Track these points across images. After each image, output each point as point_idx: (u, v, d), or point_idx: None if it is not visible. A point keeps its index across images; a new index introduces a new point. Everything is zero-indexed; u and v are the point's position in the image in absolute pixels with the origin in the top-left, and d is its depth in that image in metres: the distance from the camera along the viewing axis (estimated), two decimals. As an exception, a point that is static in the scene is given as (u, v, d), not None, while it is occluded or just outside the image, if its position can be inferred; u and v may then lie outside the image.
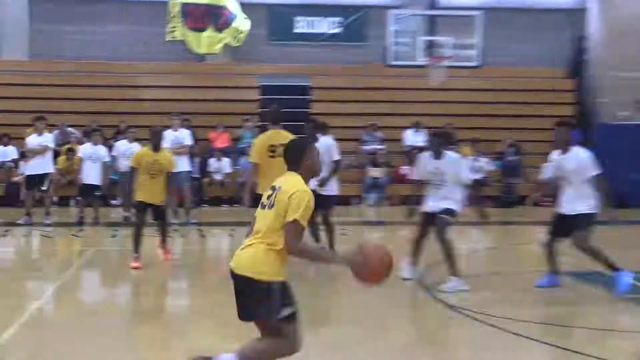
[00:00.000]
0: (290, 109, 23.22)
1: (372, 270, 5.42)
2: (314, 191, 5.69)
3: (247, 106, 23.71)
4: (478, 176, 21.41)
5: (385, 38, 22.06)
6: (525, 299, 9.77)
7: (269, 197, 5.56)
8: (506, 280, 11.03)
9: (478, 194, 21.05)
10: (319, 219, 12.04)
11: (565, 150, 9.92)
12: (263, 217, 5.53)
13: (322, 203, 10.93)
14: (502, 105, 23.92)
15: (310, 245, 5.99)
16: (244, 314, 5.54)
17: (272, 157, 10.30)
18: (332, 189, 12.13)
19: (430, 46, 22.11)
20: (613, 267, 9.75)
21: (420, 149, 21.11)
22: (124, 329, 8.58)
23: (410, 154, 21.89)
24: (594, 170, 9.80)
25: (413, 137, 22.41)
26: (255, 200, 11.06)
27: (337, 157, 12.02)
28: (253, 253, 5.47)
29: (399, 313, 9.35)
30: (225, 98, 23.89)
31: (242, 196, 11.57)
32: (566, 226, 9.83)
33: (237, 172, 21.40)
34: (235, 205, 20.65)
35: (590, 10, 25.10)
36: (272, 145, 10.38)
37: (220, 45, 24.21)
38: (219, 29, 24.12)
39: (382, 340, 7.86)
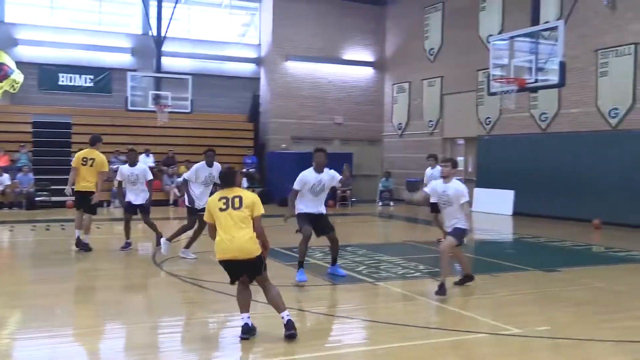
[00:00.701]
0: (56, 139, 22.03)
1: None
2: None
3: (22, 136, 21.86)
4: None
5: (125, 91, 21.32)
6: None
7: (227, 201, 5.91)
8: (211, 257, 11.15)
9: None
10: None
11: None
12: (236, 215, 5.85)
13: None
14: (206, 138, 24.08)
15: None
16: (251, 277, 6.00)
17: (84, 165, 11.03)
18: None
19: (157, 98, 21.72)
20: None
21: (151, 168, 20.90)
22: None
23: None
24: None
25: (145, 159, 21.91)
26: (78, 197, 10.71)
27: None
28: (249, 239, 5.84)
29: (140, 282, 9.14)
30: (6, 130, 21.76)
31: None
32: None
33: (14, 184, 19.58)
34: (14, 208, 19.01)
35: (261, 78, 26.03)
36: (84, 158, 11.09)
37: (1, 92, 22.04)
38: (0, 80, 21.98)
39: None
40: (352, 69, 26.13)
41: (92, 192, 11.13)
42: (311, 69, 25.43)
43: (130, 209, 11.50)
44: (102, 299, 7.86)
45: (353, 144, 26.10)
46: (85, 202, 11.07)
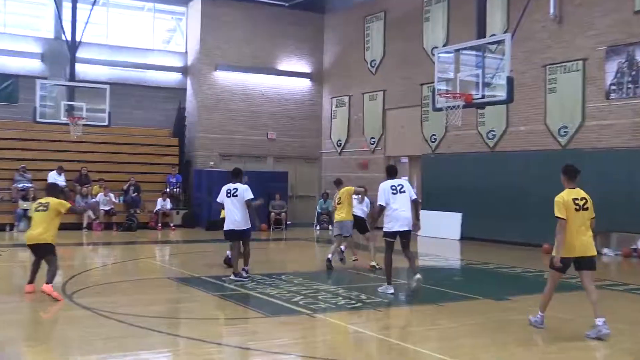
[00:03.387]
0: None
1: None
2: None
3: None
4: (107, 207, 21.10)
5: (34, 100, 20.62)
6: (146, 299, 9.75)
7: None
8: (131, 286, 10.91)
9: (107, 221, 20.81)
10: None
11: None
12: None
13: None
14: (126, 155, 23.68)
15: None
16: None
17: None
18: None
19: (70, 109, 21.13)
20: None
21: (63, 187, 20.27)
22: None
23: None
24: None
25: (57, 177, 21.24)
26: None
27: None
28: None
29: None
30: None
31: None
32: None
33: None
34: None
35: (188, 89, 25.79)
36: None
37: None
38: None
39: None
40: (287, 80, 26.22)
41: None
42: (242, 79, 25.37)
43: None
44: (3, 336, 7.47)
45: (288, 162, 26.12)
46: None
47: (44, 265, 9.74)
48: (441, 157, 21.06)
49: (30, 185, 20.97)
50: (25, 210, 19.94)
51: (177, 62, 25.90)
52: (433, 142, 21.51)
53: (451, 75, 14.42)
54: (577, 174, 7.77)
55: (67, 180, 21.54)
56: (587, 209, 7.60)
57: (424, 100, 21.55)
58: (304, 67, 26.59)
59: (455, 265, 15.25)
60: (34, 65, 23.55)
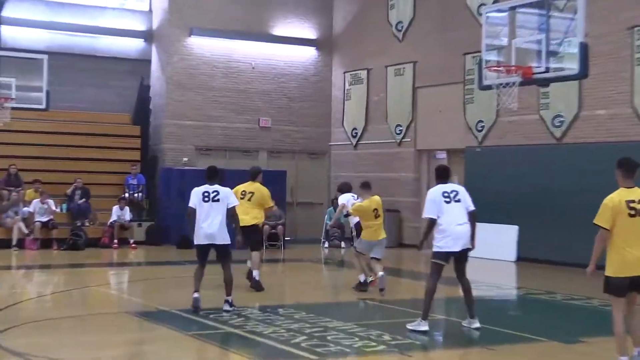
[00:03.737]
0: None
1: None
2: None
3: None
4: (45, 218, 21.14)
5: (-58, 76, 20.75)
6: (96, 340, 9.75)
7: None
8: (76, 324, 10.92)
9: (45, 236, 20.87)
10: None
11: None
12: None
13: None
14: (71, 148, 23.70)
15: None
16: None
17: None
18: None
19: (-5, 86, 21.26)
20: None
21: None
22: None
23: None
24: None
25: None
26: None
27: None
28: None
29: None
30: None
31: None
32: None
33: None
34: None
35: (153, 60, 25.83)
36: None
37: None
38: None
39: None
40: (285, 49, 26.20)
41: None
42: (226, 48, 25.39)
43: None
44: None
45: (287, 158, 26.13)
46: None
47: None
48: (490, 151, 20.99)
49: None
50: None
51: (139, 25, 25.94)
52: (479, 131, 21.47)
53: (504, 41, 14.38)
54: (636, 169, 7.89)
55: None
56: None
57: (467, 76, 21.51)
58: (308, 31, 26.60)
59: (511, 296, 15.19)
60: (-55, 29, 23.64)
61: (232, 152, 25.24)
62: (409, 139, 23.79)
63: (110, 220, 22.00)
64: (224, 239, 11.47)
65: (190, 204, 11.52)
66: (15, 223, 20.95)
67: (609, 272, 7.76)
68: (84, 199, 22.43)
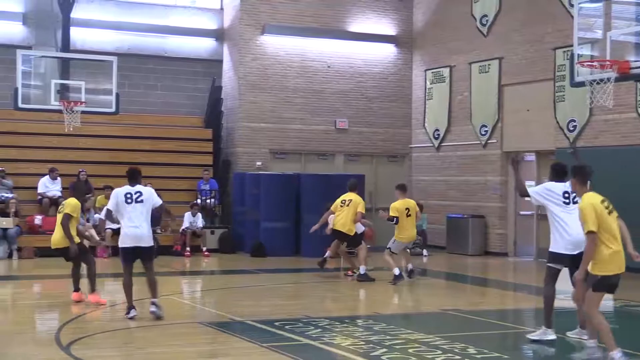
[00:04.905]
0: None
1: None
2: None
3: None
4: (116, 226, 21.45)
5: (13, 79, 21.20)
6: (167, 352, 9.88)
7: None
8: (147, 334, 11.09)
9: (116, 244, 21.18)
10: None
11: None
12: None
13: None
14: (141, 152, 24.02)
15: None
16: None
17: None
18: None
19: (64, 90, 21.66)
20: None
21: (57, 198, 20.87)
22: None
23: (44, 203, 21.51)
24: None
25: (50, 185, 21.89)
26: None
27: None
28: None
29: None
30: None
31: None
32: None
33: None
34: None
35: (225, 60, 26.10)
36: None
37: None
38: None
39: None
40: (363, 46, 26.24)
41: None
42: (300, 46, 25.54)
43: None
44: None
45: (365, 161, 26.16)
46: None
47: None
48: (583, 153, 20.68)
49: (10, 195, 21.57)
50: (5, 229, 20.61)
51: (210, 24, 26.24)
52: (571, 131, 21.19)
53: (598, 34, 14.21)
54: (590, 175, 9.30)
55: (63, 189, 21.99)
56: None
57: (558, 72, 21.25)
58: (386, 27, 26.57)
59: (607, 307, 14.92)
60: (14, 31, 24.18)
61: (307, 156, 25.34)
62: (495, 140, 23.59)
63: (182, 227, 22.25)
64: (150, 240, 12.11)
65: (109, 207, 12.19)
66: (86, 230, 21.34)
67: (606, 271, 8.82)
68: (154, 206, 22.71)
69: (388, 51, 26.61)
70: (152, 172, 23.50)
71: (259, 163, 24.49)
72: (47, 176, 21.98)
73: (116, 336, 10.80)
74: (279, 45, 25.32)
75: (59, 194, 21.61)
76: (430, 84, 26.08)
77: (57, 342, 10.07)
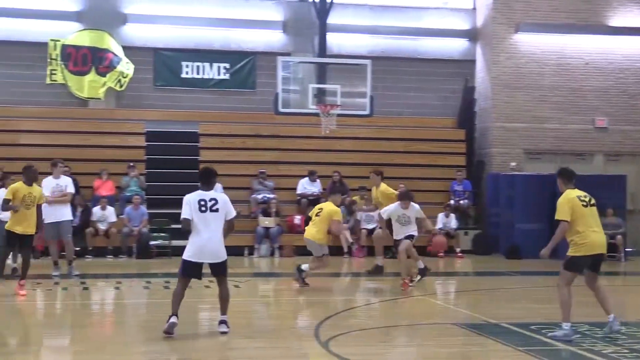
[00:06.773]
0: (178, 156, 23.33)
1: None
2: None
3: (132, 152, 23.43)
4: (372, 226, 21.80)
5: (274, 85, 22.13)
6: (422, 352, 9.91)
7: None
8: (402, 334, 11.19)
9: (371, 243, 21.56)
10: None
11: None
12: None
13: None
14: (394, 154, 24.37)
15: None
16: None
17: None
18: None
19: (321, 94, 22.34)
20: None
21: (317, 198, 21.55)
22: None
23: (302, 203, 22.27)
24: None
25: (308, 187, 22.73)
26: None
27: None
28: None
29: None
30: (109, 144, 23.57)
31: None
32: None
33: (121, 221, 21.13)
34: (120, 256, 20.47)
35: (477, 60, 25.95)
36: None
37: (103, 90, 23.90)
38: (102, 73, 23.81)
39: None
40: (624, 41, 25.36)
41: None
42: (556, 43, 25.00)
43: None
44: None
45: (626, 161, 25.27)
46: None
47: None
48: None
49: (271, 196, 22.54)
50: (267, 228, 21.55)
51: (462, 24, 26.19)
52: None
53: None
54: (574, 176, 10.85)
55: (322, 190, 22.64)
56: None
57: None
58: (648, 20, 25.48)
59: None
60: (275, 39, 25.25)
61: (564, 156, 24.66)
62: None
63: (437, 227, 22.29)
64: (224, 254, 10.53)
65: (184, 215, 10.36)
66: (340, 231, 21.82)
67: (575, 253, 10.43)
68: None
69: (651, 45, 25.51)
70: (406, 174, 23.79)
71: (513, 164, 24.14)
72: (307, 178, 22.79)
73: (372, 334, 10.97)
74: (533, 43, 24.91)
75: (317, 192, 22.45)
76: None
77: (317, 337, 10.40)
